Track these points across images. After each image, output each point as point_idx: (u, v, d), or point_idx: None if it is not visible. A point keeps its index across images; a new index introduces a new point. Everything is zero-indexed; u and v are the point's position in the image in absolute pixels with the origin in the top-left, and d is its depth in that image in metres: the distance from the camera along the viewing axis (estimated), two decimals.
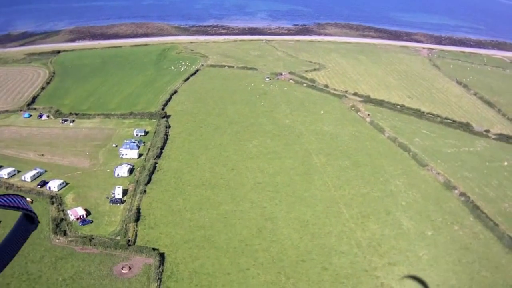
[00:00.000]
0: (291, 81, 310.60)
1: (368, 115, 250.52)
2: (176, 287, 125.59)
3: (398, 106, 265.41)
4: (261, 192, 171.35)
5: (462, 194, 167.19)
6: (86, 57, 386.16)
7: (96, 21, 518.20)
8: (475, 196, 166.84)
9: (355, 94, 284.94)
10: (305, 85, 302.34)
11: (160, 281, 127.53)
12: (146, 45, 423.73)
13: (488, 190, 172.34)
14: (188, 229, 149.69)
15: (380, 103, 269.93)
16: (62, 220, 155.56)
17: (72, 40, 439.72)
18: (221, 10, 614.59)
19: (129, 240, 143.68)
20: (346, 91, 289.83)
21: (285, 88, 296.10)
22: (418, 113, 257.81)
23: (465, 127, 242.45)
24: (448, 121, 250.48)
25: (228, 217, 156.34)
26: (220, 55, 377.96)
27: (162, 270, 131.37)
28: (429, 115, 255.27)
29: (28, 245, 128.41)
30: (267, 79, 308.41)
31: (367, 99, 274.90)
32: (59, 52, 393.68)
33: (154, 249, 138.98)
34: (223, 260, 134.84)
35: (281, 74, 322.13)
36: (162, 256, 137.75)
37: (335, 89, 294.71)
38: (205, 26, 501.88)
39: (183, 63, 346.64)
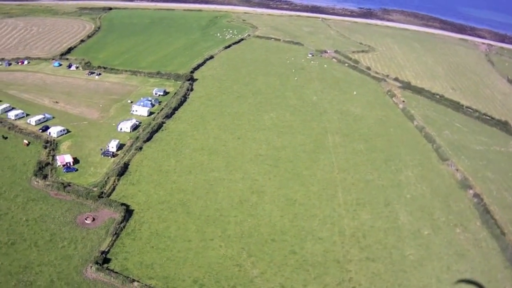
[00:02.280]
0: (334, 59, 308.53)
1: (403, 101, 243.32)
2: (131, 245, 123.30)
3: (437, 96, 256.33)
4: (259, 164, 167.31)
5: (477, 195, 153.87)
6: (136, 16, 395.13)
7: None
8: (491, 199, 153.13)
9: (396, 79, 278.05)
10: (346, 65, 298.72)
11: (117, 237, 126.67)
12: (199, 10, 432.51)
13: (507, 195, 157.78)
14: (169, 191, 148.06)
15: (419, 91, 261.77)
16: (47, 164, 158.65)
17: (131, 0, 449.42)
18: None
19: (102, 192, 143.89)
20: (387, 75, 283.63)
21: (325, 65, 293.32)
22: (456, 106, 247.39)
23: (502, 125, 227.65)
24: (486, 117, 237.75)
25: (215, 184, 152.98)
26: (270, 28, 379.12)
27: (124, 226, 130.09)
28: (468, 109, 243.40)
29: (7, 183, 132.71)
30: (310, 55, 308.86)
31: (407, 86, 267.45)
32: (110, 9, 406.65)
33: (123, 205, 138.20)
34: (190, 226, 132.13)
35: (326, 52, 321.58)
36: (130, 212, 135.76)
37: (376, 72, 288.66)
38: (268, 0, 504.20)
39: (231, 31, 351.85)
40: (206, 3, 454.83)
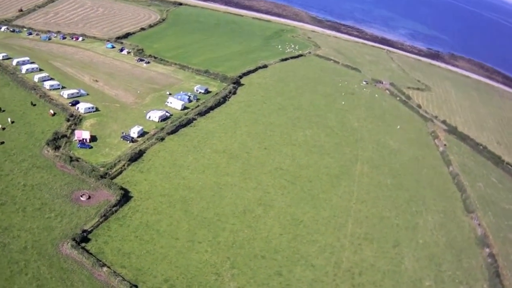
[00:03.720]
0: (387, 91, 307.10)
1: (445, 145, 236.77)
2: (116, 230, 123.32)
3: (481, 147, 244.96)
4: (276, 177, 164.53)
5: (492, 255, 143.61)
6: (203, 15, 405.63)
7: None
8: (505, 263, 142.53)
9: (443, 122, 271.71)
10: (398, 98, 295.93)
11: (105, 219, 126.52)
12: (268, 21, 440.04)
13: None
14: (175, 185, 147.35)
15: (463, 137, 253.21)
16: (63, 136, 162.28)
17: (204, 0, 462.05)
18: (366, 15, 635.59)
19: (107, 173, 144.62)
20: (436, 117, 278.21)
21: (376, 95, 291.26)
22: (497, 160, 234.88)
23: None
24: None
25: (224, 188, 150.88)
26: (333, 49, 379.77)
27: (115, 211, 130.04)
28: (508, 165, 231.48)
29: (19, 147, 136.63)
30: (364, 83, 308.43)
31: (452, 130, 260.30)
32: (181, 4, 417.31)
33: (122, 189, 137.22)
34: (183, 224, 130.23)
35: (381, 82, 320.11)
36: (128, 198, 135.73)
37: (426, 112, 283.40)
38: (339, 24, 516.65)
39: (292, 45, 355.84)
40: (278, 15, 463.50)
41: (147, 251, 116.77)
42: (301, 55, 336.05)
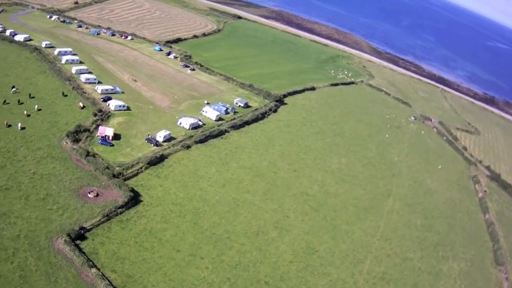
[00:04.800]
0: (434, 129, 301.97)
1: (485, 191, 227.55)
2: (116, 233, 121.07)
3: None
4: (300, 202, 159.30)
5: None
6: (261, 31, 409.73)
7: (305, 14, 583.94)
8: None
9: (487, 167, 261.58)
10: (445, 138, 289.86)
11: (108, 219, 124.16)
12: (325, 45, 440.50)
13: None
14: (190, 196, 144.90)
15: (505, 186, 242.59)
16: (86, 130, 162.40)
17: (266, 17, 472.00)
18: (426, 53, 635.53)
19: (120, 173, 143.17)
20: (480, 161, 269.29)
21: (423, 132, 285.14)
22: None
23: None
24: None
25: (241, 206, 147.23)
26: (386, 81, 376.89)
27: (120, 212, 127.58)
28: None
29: (38, 135, 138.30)
30: (413, 118, 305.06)
31: (495, 177, 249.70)
32: (240, 17, 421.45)
33: (132, 191, 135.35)
34: (189, 237, 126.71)
35: (430, 120, 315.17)
36: (137, 202, 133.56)
37: (471, 155, 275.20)
38: (398, 57, 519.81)
39: (346, 72, 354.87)
40: (338, 41, 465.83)
41: (143, 258, 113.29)
42: (352, 83, 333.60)
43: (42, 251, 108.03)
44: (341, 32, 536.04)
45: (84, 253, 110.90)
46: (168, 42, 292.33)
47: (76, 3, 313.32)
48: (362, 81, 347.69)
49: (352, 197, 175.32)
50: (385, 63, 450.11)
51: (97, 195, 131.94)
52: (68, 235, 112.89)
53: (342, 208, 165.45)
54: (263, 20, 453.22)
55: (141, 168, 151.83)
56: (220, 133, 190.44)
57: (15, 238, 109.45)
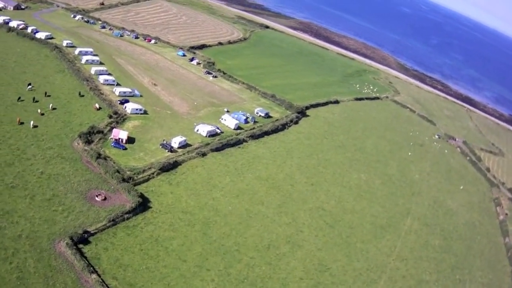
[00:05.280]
0: (458, 148, 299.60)
1: (506, 214, 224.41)
2: (121, 238, 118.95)
3: None
4: (315, 217, 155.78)
5: None
6: (287, 42, 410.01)
7: (334, 27, 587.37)
8: None
9: (510, 190, 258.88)
10: (468, 158, 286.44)
11: (113, 224, 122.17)
12: (352, 59, 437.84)
13: None
14: (201, 205, 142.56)
15: None
16: (99, 132, 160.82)
17: (294, 28, 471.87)
18: (454, 72, 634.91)
19: (131, 178, 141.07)
20: (503, 183, 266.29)
21: (446, 151, 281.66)
22: None
23: None
24: None
25: (254, 218, 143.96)
26: (411, 98, 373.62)
27: (127, 218, 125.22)
28: None
29: (50, 135, 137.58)
30: (437, 136, 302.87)
31: None
32: (267, 27, 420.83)
33: (141, 197, 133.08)
34: (196, 247, 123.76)
35: (454, 139, 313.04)
36: (145, 208, 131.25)
37: (494, 177, 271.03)
38: (425, 75, 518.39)
39: (371, 87, 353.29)
40: (365, 56, 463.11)
41: (147, 267, 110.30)
42: (377, 98, 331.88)
43: (42, 253, 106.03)
44: (369, 47, 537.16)
45: (85, 257, 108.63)
46: (192, 47, 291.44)
47: (102, 4, 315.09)
48: (387, 97, 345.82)
49: (370, 215, 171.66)
50: (411, 80, 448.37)
51: (105, 198, 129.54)
52: (71, 238, 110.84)
53: (358, 225, 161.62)
54: (290, 31, 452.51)
55: (153, 173, 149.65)
56: (238, 142, 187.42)
57: (16, 238, 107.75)
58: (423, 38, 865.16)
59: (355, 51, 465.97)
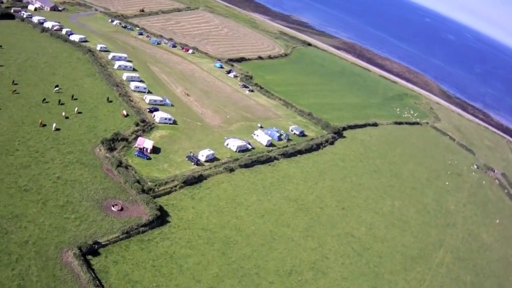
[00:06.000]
0: (496, 180, 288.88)
1: None
2: (134, 252, 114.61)
3: None
4: (343, 244, 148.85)
5: None
6: (329, 61, 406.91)
7: (378, 49, 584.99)
8: None
9: None
10: (506, 191, 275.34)
11: (127, 237, 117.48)
12: (394, 82, 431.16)
13: None
14: (223, 223, 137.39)
15: None
16: (123, 139, 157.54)
17: (337, 48, 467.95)
18: (496, 102, 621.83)
19: (151, 189, 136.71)
20: None
21: (484, 182, 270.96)
22: None
23: None
24: None
25: (278, 240, 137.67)
26: (452, 126, 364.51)
27: (143, 231, 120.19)
28: None
29: (72, 139, 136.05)
30: (475, 166, 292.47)
31: None
32: (309, 44, 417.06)
33: (160, 210, 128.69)
34: (213, 268, 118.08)
35: (493, 171, 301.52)
36: (163, 222, 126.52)
37: None
38: (467, 103, 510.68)
39: (412, 112, 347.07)
40: (407, 80, 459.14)
41: (157, 285, 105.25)
42: (417, 123, 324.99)
43: (48, 261, 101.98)
44: (412, 71, 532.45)
45: (93, 270, 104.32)
46: (230, 60, 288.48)
47: (142, 11, 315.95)
48: (427, 123, 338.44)
49: (401, 244, 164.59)
50: (453, 107, 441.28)
51: (121, 209, 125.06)
52: (79, 248, 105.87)
53: (388, 255, 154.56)
54: (333, 50, 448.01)
55: (175, 186, 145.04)
56: (269, 160, 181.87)
57: (22, 244, 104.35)
58: (466, 66, 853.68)
59: (398, 75, 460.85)
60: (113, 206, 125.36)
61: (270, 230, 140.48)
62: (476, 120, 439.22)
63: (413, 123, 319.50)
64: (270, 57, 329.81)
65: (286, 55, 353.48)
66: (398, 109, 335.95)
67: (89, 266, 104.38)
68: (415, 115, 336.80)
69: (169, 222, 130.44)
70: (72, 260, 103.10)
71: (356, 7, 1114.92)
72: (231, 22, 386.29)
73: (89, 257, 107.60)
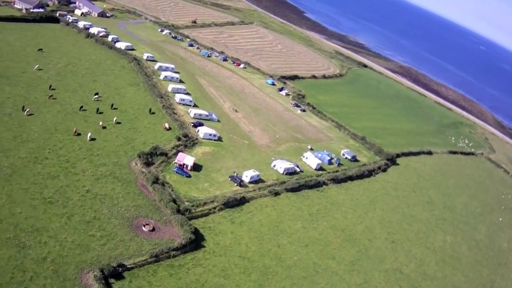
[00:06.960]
0: None
1: None
2: (161, 279, 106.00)
3: None
4: (390, 281, 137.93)
5: None
6: (384, 84, 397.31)
7: (434, 75, 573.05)
8: None
9: None
10: None
11: (156, 261, 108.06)
12: (449, 109, 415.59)
13: None
14: (263, 251, 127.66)
15: None
16: (162, 154, 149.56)
17: (392, 71, 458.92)
18: None
19: (188, 210, 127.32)
20: None
21: None
22: None
23: None
24: None
25: (321, 274, 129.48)
26: (507, 158, 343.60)
27: (173, 256, 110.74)
28: None
29: (107, 151, 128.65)
30: None
31: None
32: (365, 66, 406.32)
33: (195, 233, 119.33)
34: None
35: None
36: (197, 246, 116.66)
37: None
38: None
39: (467, 141, 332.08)
40: (462, 108, 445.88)
41: None
42: (472, 153, 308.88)
43: (65, 282, 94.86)
44: (467, 99, 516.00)
45: None
46: (283, 77, 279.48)
47: (194, 22, 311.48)
48: (482, 154, 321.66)
49: (451, 284, 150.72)
50: (508, 139, 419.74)
51: (153, 229, 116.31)
52: (101, 270, 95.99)
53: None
54: (389, 73, 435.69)
55: (214, 208, 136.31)
56: (317, 184, 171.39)
57: (40, 261, 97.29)
58: None
59: (453, 102, 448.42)
60: (144, 225, 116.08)
61: (313, 261, 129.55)
62: None
63: (468, 153, 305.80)
64: (324, 77, 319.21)
65: (341, 75, 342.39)
66: (453, 138, 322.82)
67: None
68: (470, 144, 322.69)
69: (204, 247, 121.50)
70: (92, 283, 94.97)
71: (412, 30, 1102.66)
72: (285, 39, 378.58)
73: (112, 280, 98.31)
